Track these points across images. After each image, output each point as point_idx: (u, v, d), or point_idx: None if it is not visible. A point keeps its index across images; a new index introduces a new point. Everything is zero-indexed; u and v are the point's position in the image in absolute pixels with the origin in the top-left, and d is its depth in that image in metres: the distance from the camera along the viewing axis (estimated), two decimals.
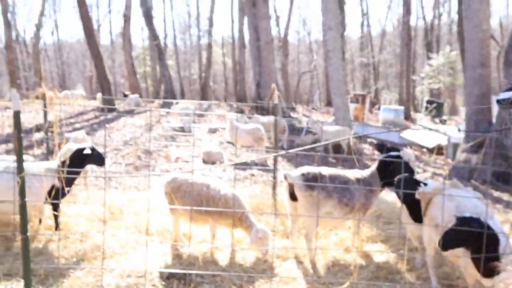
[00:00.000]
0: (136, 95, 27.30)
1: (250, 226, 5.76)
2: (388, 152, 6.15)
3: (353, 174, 6.10)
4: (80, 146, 6.44)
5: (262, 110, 22.05)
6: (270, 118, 14.09)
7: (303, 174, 5.78)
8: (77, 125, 17.99)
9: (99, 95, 28.32)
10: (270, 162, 12.41)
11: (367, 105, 26.77)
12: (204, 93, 44.61)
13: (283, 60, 40.80)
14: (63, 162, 6.07)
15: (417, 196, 5.21)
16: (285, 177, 5.89)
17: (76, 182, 6.71)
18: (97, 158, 6.47)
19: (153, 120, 19.67)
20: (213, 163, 12.82)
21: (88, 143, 7.82)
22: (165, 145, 14.25)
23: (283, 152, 6.76)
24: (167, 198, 6.15)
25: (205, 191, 5.87)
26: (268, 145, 13.31)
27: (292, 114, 25.21)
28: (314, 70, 48.53)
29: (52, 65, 60.51)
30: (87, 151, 6.27)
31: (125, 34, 36.79)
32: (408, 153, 5.98)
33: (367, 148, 16.79)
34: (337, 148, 14.90)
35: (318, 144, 11.24)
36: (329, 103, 34.76)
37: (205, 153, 12.99)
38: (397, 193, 5.43)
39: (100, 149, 6.81)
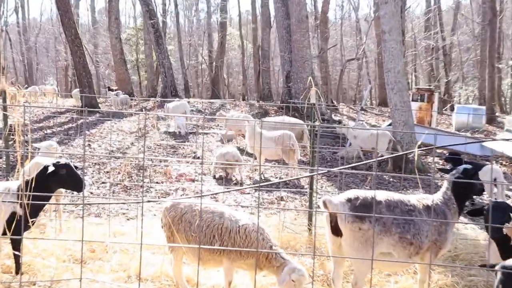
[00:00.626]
0: (120, 92, 27.61)
1: (282, 265, 5.56)
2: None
3: (420, 199, 5.96)
4: (51, 161, 6.40)
5: (294, 111, 22.00)
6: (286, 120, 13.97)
7: (349, 200, 5.67)
8: (48, 132, 18.19)
9: (76, 91, 28.75)
10: (304, 182, 12.39)
11: (436, 104, 26.46)
12: (215, 89, 44.83)
13: (321, 44, 40.72)
14: (28, 183, 6.02)
15: (505, 231, 5.05)
16: (325, 204, 5.75)
17: (45, 208, 6.69)
18: (72, 181, 6.23)
19: (147, 124, 19.77)
20: (226, 172, 12.73)
21: (63, 157, 7.80)
22: (163, 158, 14.27)
23: (325, 170, 6.66)
24: (165, 231, 6.10)
25: (217, 222, 5.81)
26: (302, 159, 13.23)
27: (333, 116, 25.08)
28: (363, 58, 48.31)
29: (15, 51, 61.71)
30: (51, 169, 6.04)
31: (111, 10, 37.24)
32: (496, 170, 5.85)
33: (437, 162, 16.55)
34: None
35: (375, 159, 11.06)
36: (383, 102, 34.52)
37: (220, 156, 12.83)
38: (486, 227, 5.30)
39: (78, 163, 6.78)
